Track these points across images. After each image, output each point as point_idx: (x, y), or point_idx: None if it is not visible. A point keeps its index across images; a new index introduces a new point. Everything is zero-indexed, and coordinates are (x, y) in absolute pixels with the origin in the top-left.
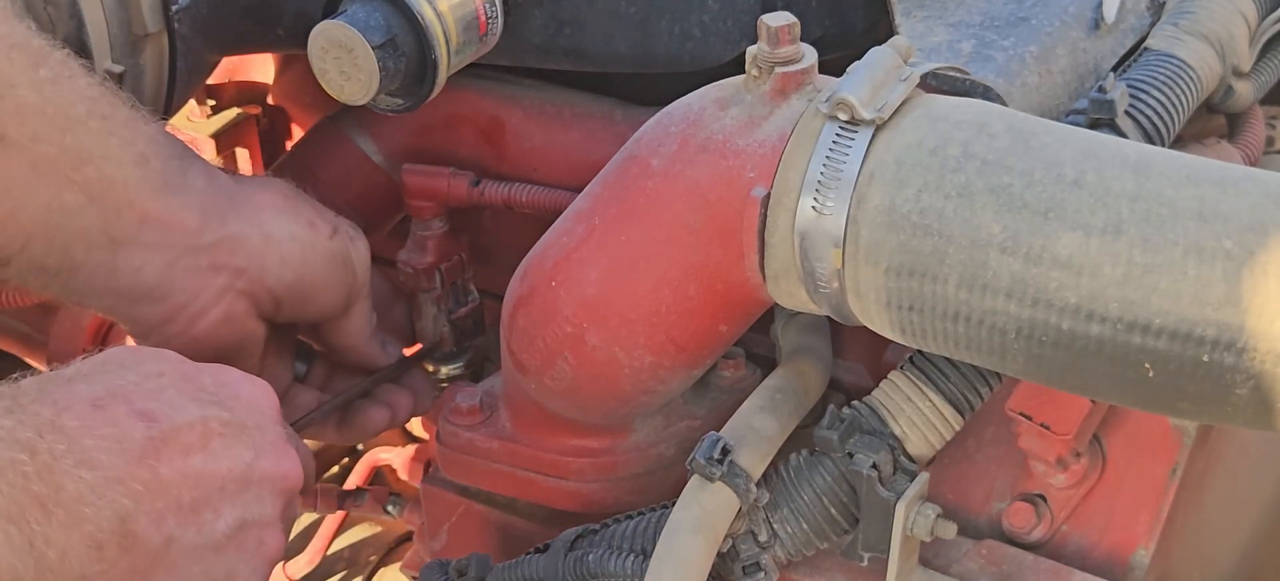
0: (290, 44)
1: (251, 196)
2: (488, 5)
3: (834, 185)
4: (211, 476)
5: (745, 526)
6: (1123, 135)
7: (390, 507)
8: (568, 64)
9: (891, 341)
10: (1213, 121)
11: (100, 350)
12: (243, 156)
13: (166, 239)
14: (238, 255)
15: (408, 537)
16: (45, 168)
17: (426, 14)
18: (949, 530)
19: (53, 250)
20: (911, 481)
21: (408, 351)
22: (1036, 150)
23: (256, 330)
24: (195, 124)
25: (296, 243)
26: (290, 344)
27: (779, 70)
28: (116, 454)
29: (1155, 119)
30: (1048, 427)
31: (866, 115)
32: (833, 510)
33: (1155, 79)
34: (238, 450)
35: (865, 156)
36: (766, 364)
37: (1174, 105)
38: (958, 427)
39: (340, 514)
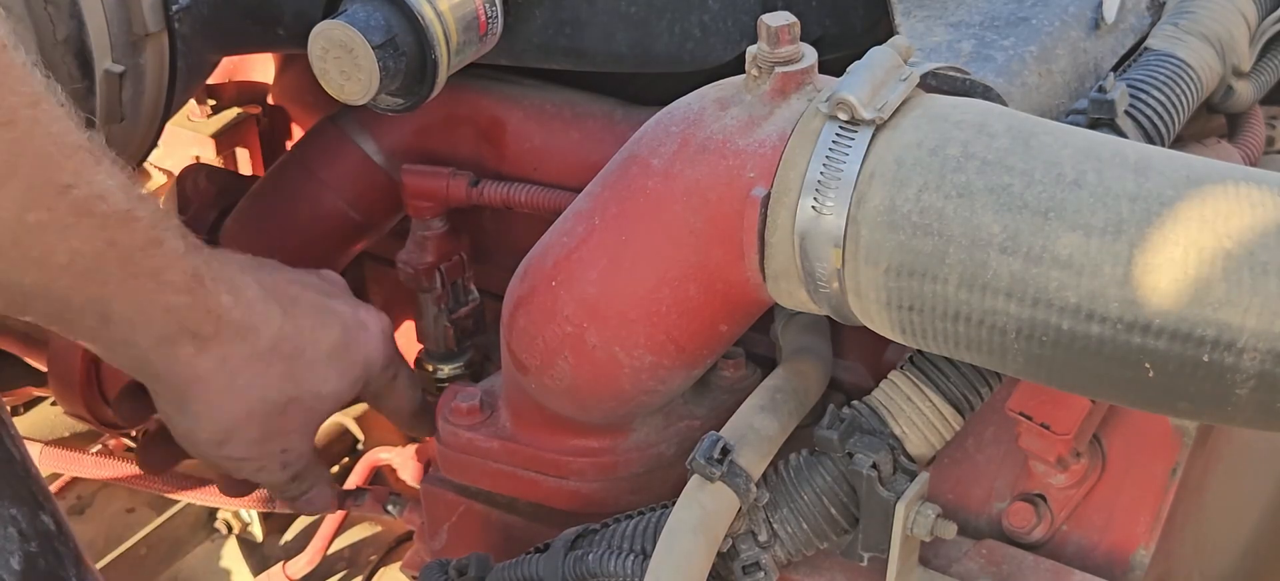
0: (290, 44)
1: (206, 391)
2: (488, 5)
3: (834, 185)
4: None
5: (745, 526)
6: (1123, 135)
7: (390, 507)
8: (568, 64)
9: (891, 341)
10: (1213, 121)
11: None
12: (243, 156)
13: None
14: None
15: (408, 537)
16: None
17: (426, 14)
18: (949, 530)
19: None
20: (911, 481)
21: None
22: (1036, 150)
23: None
24: (195, 124)
25: (187, 435)
26: None
27: (779, 70)
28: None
29: (1155, 119)
30: (1048, 427)
31: (866, 115)
32: (833, 510)
33: (1155, 79)
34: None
35: (865, 156)
36: (766, 364)
37: (1174, 105)
38: (958, 427)
39: (340, 514)
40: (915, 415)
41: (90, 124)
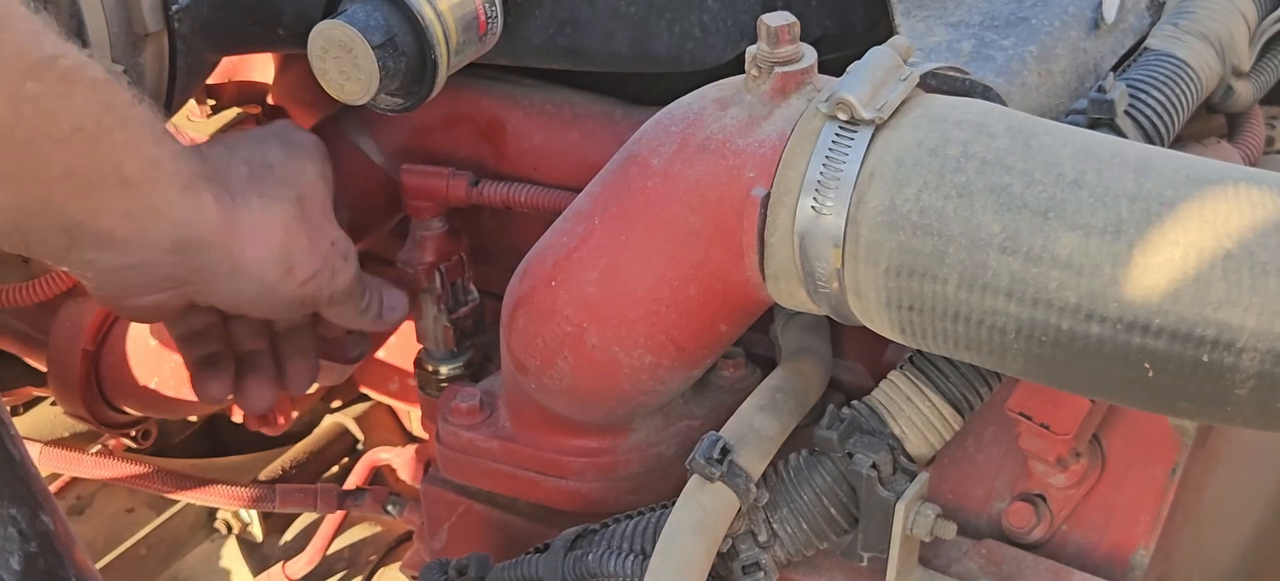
0: (290, 44)
1: (247, 230)
2: (488, 5)
3: (834, 185)
4: None
5: (745, 526)
6: (1123, 135)
7: (390, 507)
8: (568, 64)
9: (891, 341)
10: (1213, 121)
11: (101, 348)
12: None
13: (126, 252)
14: (193, 279)
15: (408, 537)
16: (3, 177)
17: (426, 14)
18: (949, 530)
19: (6, 239)
20: (911, 481)
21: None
22: (1036, 150)
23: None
24: (195, 124)
25: (259, 285)
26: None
27: (779, 70)
28: None
29: (1155, 119)
30: (1048, 427)
31: (866, 115)
32: (833, 510)
33: (1155, 79)
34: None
35: (865, 156)
36: (766, 364)
37: (1174, 105)
38: (958, 427)
39: (340, 514)
40: (915, 415)
41: None
